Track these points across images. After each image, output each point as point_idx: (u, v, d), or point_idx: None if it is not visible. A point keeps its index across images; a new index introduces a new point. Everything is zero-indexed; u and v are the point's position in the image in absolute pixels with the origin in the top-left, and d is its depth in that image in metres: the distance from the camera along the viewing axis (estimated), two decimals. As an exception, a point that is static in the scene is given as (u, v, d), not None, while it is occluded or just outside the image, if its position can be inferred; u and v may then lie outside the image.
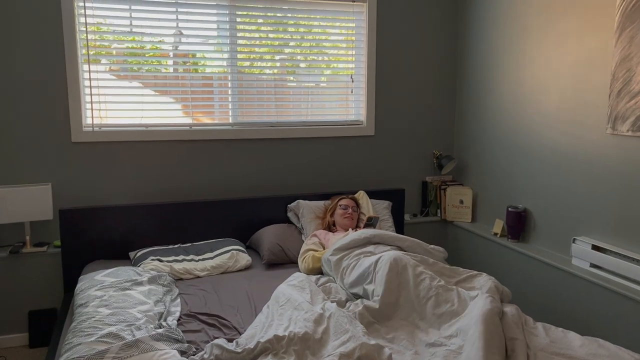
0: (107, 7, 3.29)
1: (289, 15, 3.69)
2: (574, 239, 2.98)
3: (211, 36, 3.54)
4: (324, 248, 3.19)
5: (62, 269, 3.30)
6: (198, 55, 3.55)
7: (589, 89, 2.91)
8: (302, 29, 3.74)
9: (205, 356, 1.98)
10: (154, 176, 3.50)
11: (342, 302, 2.55)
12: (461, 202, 3.99)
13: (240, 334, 2.31)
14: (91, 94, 3.32)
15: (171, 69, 3.52)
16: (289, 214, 3.60)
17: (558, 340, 2.14)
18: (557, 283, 3.06)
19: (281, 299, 2.41)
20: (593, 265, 2.87)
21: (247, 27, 3.62)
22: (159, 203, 3.37)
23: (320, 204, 3.60)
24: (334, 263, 2.85)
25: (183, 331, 2.30)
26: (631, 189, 2.69)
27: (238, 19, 3.57)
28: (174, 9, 3.42)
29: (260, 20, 3.64)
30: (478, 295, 2.33)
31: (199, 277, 3.02)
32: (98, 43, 3.33)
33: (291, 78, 3.79)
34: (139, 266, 2.98)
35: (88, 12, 3.25)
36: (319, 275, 2.89)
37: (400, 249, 2.98)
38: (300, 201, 3.58)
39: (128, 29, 3.37)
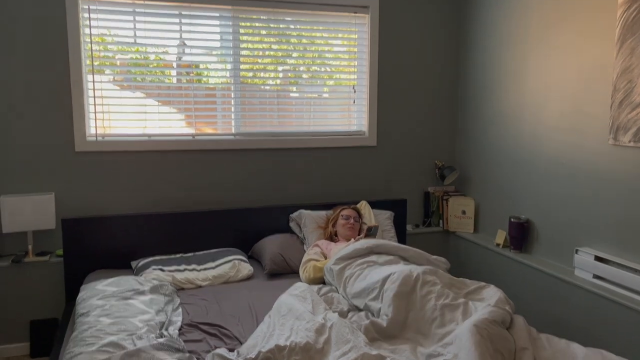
0: (111, 19, 3.32)
1: (292, 26, 3.72)
2: (577, 250, 2.97)
3: (214, 47, 3.57)
4: (325, 258, 3.19)
5: (64, 278, 3.30)
6: (201, 65, 3.57)
7: (590, 100, 2.92)
8: (304, 40, 3.77)
9: (206, 366, 1.98)
10: (156, 186, 3.51)
11: (344, 312, 2.54)
12: (463, 212, 3.98)
13: (241, 343, 2.30)
14: (95, 104, 3.34)
15: (174, 80, 3.54)
16: (291, 224, 3.60)
17: (561, 351, 2.13)
18: (560, 294, 3.04)
19: (283, 308, 2.40)
20: (596, 277, 2.86)
21: (250, 38, 3.65)
22: (161, 213, 3.38)
23: (323, 214, 3.60)
24: (336, 272, 2.85)
25: (184, 341, 2.30)
26: (633, 200, 2.69)
27: (241, 30, 3.60)
28: (177, 20, 3.45)
29: (263, 32, 3.67)
30: (486, 306, 2.33)
31: (200, 286, 3.02)
32: (102, 54, 3.36)
33: (294, 89, 3.81)
34: (140, 276, 2.98)
35: (93, 23, 3.28)
36: (320, 285, 2.89)
37: (402, 258, 2.98)
38: (303, 211, 3.58)
39: (132, 40, 3.39)
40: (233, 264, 3.17)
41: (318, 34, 3.79)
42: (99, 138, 3.38)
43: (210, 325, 2.49)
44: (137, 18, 3.38)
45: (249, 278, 3.18)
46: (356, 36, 3.87)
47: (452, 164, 4.18)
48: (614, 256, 2.78)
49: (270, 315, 2.43)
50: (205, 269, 3.13)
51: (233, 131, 3.68)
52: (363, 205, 3.65)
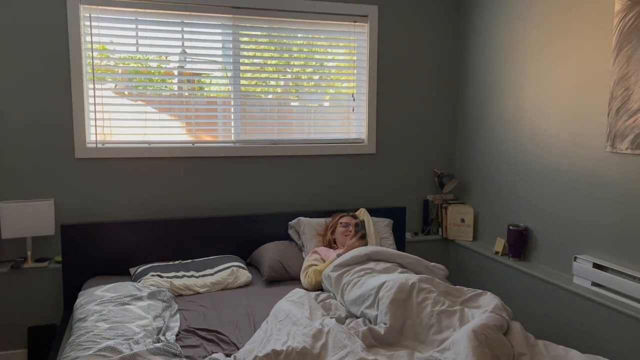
0: (113, 26, 3.35)
1: (292, 35, 3.74)
2: (575, 257, 2.97)
3: (215, 55, 3.59)
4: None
5: (62, 284, 3.29)
6: (201, 71, 3.59)
7: (588, 107, 2.93)
8: (304, 49, 3.79)
9: (203, 371, 1.97)
10: (156, 193, 3.51)
11: (341, 318, 2.54)
12: (462, 220, 3.98)
13: (238, 349, 2.30)
14: (95, 111, 3.36)
15: (175, 87, 3.56)
16: (290, 231, 3.61)
17: (559, 358, 2.12)
18: (558, 301, 3.03)
19: (280, 314, 2.40)
20: (594, 284, 2.85)
21: (250, 47, 3.68)
22: (160, 219, 3.39)
23: (321, 221, 3.60)
24: (334, 279, 2.85)
25: (182, 346, 2.30)
26: (631, 207, 2.69)
27: (241, 39, 3.63)
28: (179, 28, 3.48)
29: (264, 41, 3.69)
30: (483, 312, 2.32)
31: (198, 293, 3.02)
32: (104, 62, 3.38)
33: (294, 97, 3.83)
34: (139, 282, 2.97)
35: (94, 31, 3.31)
36: (318, 292, 2.89)
37: (400, 266, 2.97)
38: (301, 218, 3.58)
39: (133, 48, 3.42)
40: (231, 271, 3.17)
41: (318, 42, 3.82)
42: (99, 145, 3.39)
43: (208, 331, 2.49)
44: (139, 26, 3.41)
45: (247, 285, 3.17)
46: (355, 45, 3.90)
47: (452, 171, 4.19)
48: (612, 263, 2.78)
49: (268, 321, 2.42)
50: (203, 276, 3.13)
51: (233, 138, 3.70)
52: (362, 213, 3.65)
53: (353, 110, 3.96)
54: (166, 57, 3.49)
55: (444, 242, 4.13)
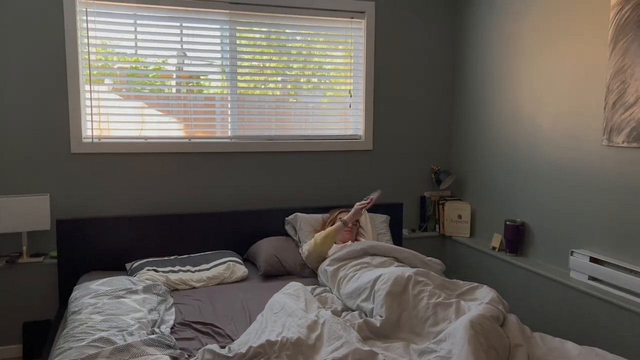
0: (110, 21, 3.34)
1: (288, 31, 3.74)
2: (572, 252, 2.96)
3: (213, 50, 3.59)
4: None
5: (58, 280, 3.28)
6: (199, 71, 3.58)
7: (584, 101, 2.93)
8: (301, 44, 3.79)
9: (197, 361, 1.96)
10: (152, 188, 3.50)
11: (337, 311, 2.53)
12: (459, 217, 3.98)
13: (234, 342, 2.28)
14: (91, 106, 3.36)
15: (173, 82, 3.56)
16: (287, 227, 3.60)
17: (555, 350, 2.12)
18: (555, 296, 3.03)
19: (275, 306, 2.39)
20: (591, 278, 2.85)
21: (246, 42, 3.67)
22: (156, 215, 3.38)
23: (318, 217, 3.59)
24: (330, 273, 2.84)
25: (176, 339, 2.28)
26: (628, 200, 2.69)
27: (237, 34, 3.62)
28: (177, 23, 3.47)
29: (260, 36, 3.69)
30: (480, 304, 2.32)
31: (194, 287, 3.01)
32: (101, 61, 3.37)
33: (291, 93, 3.83)
34: (134, 276, 2.96)
35: (90, 25, 3.30)
36: (315, 286, 2.88)
37: (397, 260, 2.97)
38: (298, 214, 3.57)
39: (131, 43, 3.41)
40: (227, 266, 3.16)
41: (314, 39, 3.82)
42: (95, 140, 3.38)
43: (203, 324, 2.47)
44: (138, 21, 3.40)
45: (243, 280, 3.16)
46: (352, 41, 3.90)
47: (448, 168, 4.18)
48: (609, 257, 2.78)
49: (263, 313, 2.41)
50: (199, 270, 3.12)
51: (229, 134, 3.69)
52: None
53: (350, 107, 3.96)
54: (165, 61, 3.48)
55: (441, 238, 4.12)
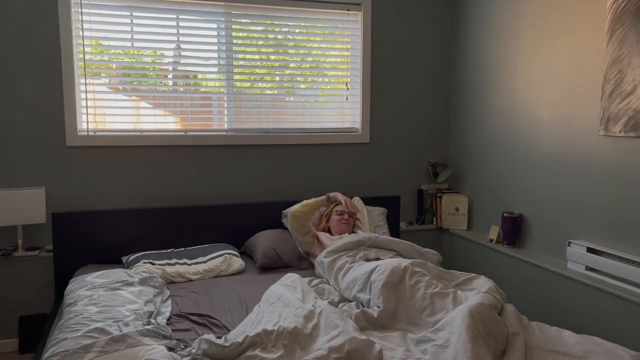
0: (105, 13, 3.32)
1: (284, 23, 3.72)
2: (569, 242, 2.96)
3: (210, 43, 3.57)
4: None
5: (53, 273, 3.26)
6: (194, 62, 3.55)
7: (581, 91, 2.92)
8: (297, 37, 3.77)
9: (193, 351, 1.96)
10: (148, 181, 3.49)
11: (334, 302, 2.53)
12: (457, 209, 3.97)
13: (230, 332, 2.27)
14: (86, 99, 3.34)
15: (170, 75, 3.54)
16: (284, 220, 3.58)
17: (553, 338, 2.12)
18: (553, 287, 3.02)
19: (272, 297, 2.39)
20: (588, 268, 2.84)
21: (242, 34, 3.65)
22: (153, 208, 3.36)
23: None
24: (327, 265, 2.83)
25: (173, 330, 2.28)
26: (624, 190, 2.68)
27: (234, 26, 3.60)
28: (174, 15, 3.45)
29: (256, 28, 3.68)
30: (477, 293, 2.31)
31: (191, 280, 2.99)
32: (95, 49, 3.35)
33: (288, 85, 3.81)
34: (130, 269, 2.95)
35: (85, 17, 3.28)
36: (311, 277, 2.87)
37: (393, 251, 2.96)
38: (295, 207, 3.56)
39: (127, 36, 3.39)
40: (224, 258, 3.15)
41: (311, 31, 3.80)
42: (91, 133, 3.36)
43: (200, 315, 2.46)
44: (134, 13, 3.38)
45: (240, 272, 3.15)
46: (349, 33, 3.88)
47: (446, 161, 4.17)
48: (606, 247, 2.77)
49: (260, 304, 2.40)
50: (196, 263, 3.11)
51: (226, 127, 3.67)
52: (357, 202, 3.64)
53: (347, 100, 3.94)
54: (161, 53, 3.46)
55: (438, 231, 4.12)
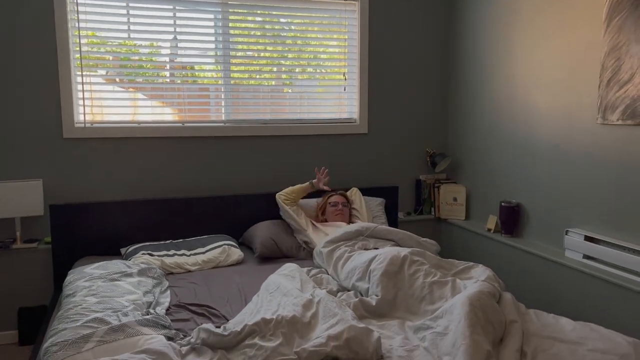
0: (101, 4, 3.30)
1: (281, 14, 3.70)
2: (567, 231, 2.97)
3: (207, 33, 3.55)
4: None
5: (52, 265, 3.27)
6: (192, 53, 3.54)
7: (579, 80, 2.92)
8: (295, 27, 3.76)
9: (192, 340, 1.96)
10: (146, 173, 3.48)
11: (333, 292, 2.54)
12: (455, 199, 3.98)
13: (229, 321, 2.28)
14: (83, 91, 3.32)
15: (167, 71, 3.52)
16: (281, 213, 3.58)
17: (550, 325, 2.13)
18: (550, 275, 3.04)
19: (271, 286, 2.39)
20: (586, 257, 2.85)
21: (240, 24, 3.64)
22: (151, 199, 3.36)
23: (313, 201, 3.59)
24: (325, 255, 2.84)
25: (172, 320, 2.29)
26: (622, 178, 2.69)
27: (230, 16, 3.59)
28: (170, 6, 3.43)
29: (253, 18, 3.66)
30: (476, 282, 2.32)
31: (190, 271, 3.00)
32: (91, 40, 3.34)
33: (286, 76, 3.80)
34: (129, 260, 2.95)
35: (81, 8, 3.26)
36: (310, 267, 2.88)
37: (392, 241, 2.97)
38: (293, 198, 3.56)
39: (125, 27, 3.37)
40: (223, 249, 3.15)
41: (308, 21, 3.78)
42: (88, 124, 3.36)
43: (199, 305, 2.47)
44: (130, 4, 3.36)
45: (239, 263, 3.15)
46: (346, 23, 3.87)
47: (444, 151, 4.17)
48: (604, 235, 2.78)
49: (259, 294, 2.41)
50: (195, 254, 3.11)
51: (223, 118, 3.66)
52: (354, 192, 3.64)
53: (345, 90, 3.93)
54: (158, 44, 3.45)
55: (436, 221, 4.13)
